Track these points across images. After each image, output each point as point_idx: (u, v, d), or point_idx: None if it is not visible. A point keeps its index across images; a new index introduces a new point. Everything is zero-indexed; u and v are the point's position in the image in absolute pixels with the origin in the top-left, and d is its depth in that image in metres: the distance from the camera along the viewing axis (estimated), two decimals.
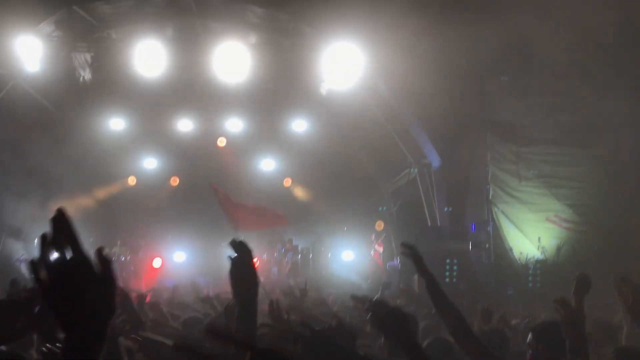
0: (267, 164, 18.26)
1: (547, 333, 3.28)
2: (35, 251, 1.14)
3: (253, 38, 14.20)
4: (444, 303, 3.22)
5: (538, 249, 13.31)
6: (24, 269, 13.25)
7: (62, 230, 1.12)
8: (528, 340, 3.32)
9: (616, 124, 13.91)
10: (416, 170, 14.70)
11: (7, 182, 14.08)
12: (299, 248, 16.98)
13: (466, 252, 14.09)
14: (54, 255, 1.12)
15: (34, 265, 1.11)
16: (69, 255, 1.12)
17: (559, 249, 13.26)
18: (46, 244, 1.12)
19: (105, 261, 1.16)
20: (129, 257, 16.50)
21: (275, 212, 14.78)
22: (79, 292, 1.11)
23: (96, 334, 1.14)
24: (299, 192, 18.55)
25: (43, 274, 1.10)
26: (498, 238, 13.52)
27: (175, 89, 14.68)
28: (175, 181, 18.36)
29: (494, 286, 13.02)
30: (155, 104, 15.62)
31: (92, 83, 14.71)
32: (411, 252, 3.40)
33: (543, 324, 3.54)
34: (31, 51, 12.40)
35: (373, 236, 16.77)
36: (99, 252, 1.18)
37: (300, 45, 13.80)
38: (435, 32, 11.39)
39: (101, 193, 17.64)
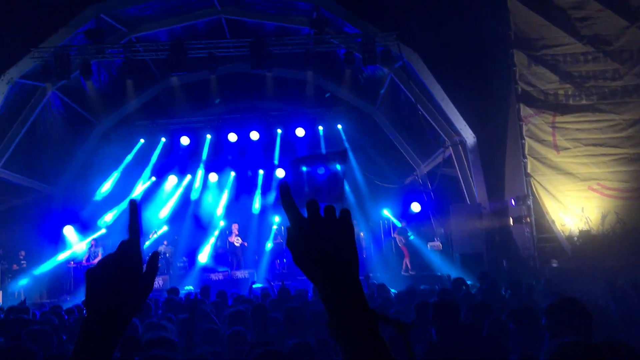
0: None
1: None
2: None
3: None
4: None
5: (581, 219, 13.08)
6: None
7: (131, 219, 1.13)
8: None
9: None
10: (450, 148, 14.54)
11: None
12: None
13: (507, 227, 13.97)
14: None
15: None
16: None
17: (603, 217, 13.01)
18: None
19: (154, 261, 1.15)
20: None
21: None
22: (117, 280, 1.09)
23: (114, 326, 1.09)
24: None
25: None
26: (539, 211, 13.31)
27: None
28: None
29: (537, 260, 12.89)
30: None
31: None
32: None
33: None
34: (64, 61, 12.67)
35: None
36: (155, 254, 1.17)
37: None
38: (464, 5, 11.23)
39: None
